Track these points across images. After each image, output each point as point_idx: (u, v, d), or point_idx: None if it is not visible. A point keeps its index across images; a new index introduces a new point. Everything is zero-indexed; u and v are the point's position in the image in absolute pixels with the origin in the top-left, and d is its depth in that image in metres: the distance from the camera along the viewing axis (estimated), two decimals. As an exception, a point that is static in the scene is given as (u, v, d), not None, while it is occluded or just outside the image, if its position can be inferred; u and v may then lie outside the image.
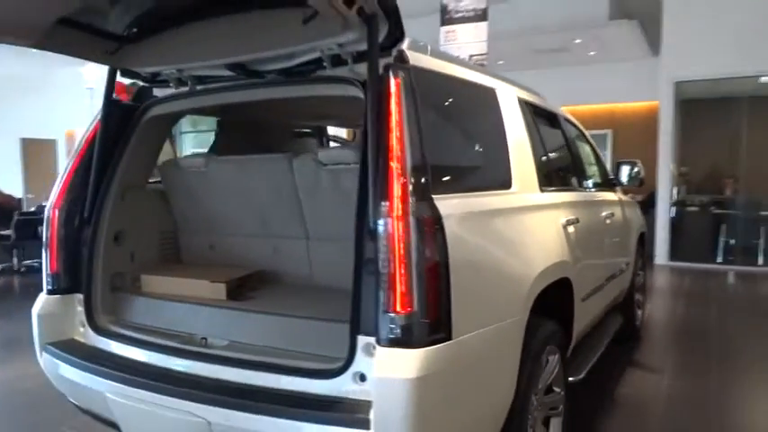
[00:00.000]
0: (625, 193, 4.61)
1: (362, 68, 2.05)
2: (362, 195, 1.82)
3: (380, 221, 1.71)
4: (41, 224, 8.09)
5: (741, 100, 8.72)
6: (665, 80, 8.60)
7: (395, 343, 1.68)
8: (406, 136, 1.79)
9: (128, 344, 2.29)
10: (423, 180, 1.78)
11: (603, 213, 3.62)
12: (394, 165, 1.75)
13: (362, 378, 1.78)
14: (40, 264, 7.83)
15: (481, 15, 6.96)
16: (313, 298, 2.42)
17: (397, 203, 1.71)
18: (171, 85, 2.50)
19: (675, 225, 8.85)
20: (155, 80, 2.57)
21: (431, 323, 1.71)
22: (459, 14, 7.03)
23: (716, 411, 3.43)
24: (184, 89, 2.50)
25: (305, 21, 1.90)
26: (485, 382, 1.96)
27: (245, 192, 2.63)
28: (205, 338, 2.24)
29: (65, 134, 14.88)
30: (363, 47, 1.99)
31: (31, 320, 2.50)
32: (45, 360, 2.43)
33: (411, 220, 1.70)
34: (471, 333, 1.83)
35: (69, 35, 2.22)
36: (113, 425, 2.32)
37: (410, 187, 1.73)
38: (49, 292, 2.50)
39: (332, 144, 4.31)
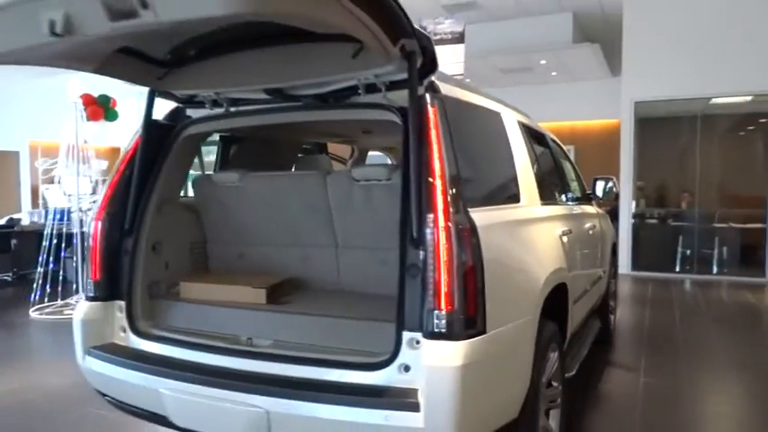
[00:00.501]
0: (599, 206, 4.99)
1: (394, 96, 2.33)
2: (405, 208, 2.07)
3: (426, 231, 1.97)
4: (14, 237, 7.96)
5: (694, 119, 9.35)
6: (625, 100, 9.16)
7: (440, 336, 1.93)
8: (445, 156, 2.06)
9: (174, 345, 2.46)
10: (460, 194, 2.05)
11: (587, 225, 3.97)
12: (437, 181, 2.01)
13: (407, 369, 2.02)
14: (13, 278, 7.69)
15: (458, 38, 7.36)
16: (344, 301, 2.65)
17: (441, 215, 1.97)
18: (206, 105, 2.71)
19: (636, 236, 9.38)
20: (190, 101, 2.77)
21: (470, 319, 1.97)
22: (438, 36, 7.42)
23: (688, 403, 3.80)
24: (219, 110, 2.71)
25: (354, 55, 2.16)
26: (508, 372, 2.23)
27: (277, 205, 2.85)
28: (251, 338, 2.44)
29: (28, 145, 14.62)
30: (397, 77, 2.26)
31: (72, 327, 2.66)
32: (88, 362, 2.58)
33: (453, 229, 1.96)
34: (500, 329, 2.09)
35: (125, 62, 2.43)
36: (155, 419, 2.49)
37: (450, 201, 1.99)
38: (91, 299, 2.66)
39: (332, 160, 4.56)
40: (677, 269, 9.23)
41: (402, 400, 1.93)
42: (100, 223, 2.66)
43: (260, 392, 2.08)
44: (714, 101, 9.02)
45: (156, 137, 2.75)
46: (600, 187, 4.68)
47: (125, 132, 16.02)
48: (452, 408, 1.89)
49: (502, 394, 2.20)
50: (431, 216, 1.98)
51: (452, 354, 1.91)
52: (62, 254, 7.23)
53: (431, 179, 2.02)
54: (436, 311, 1.94)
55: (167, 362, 2.39)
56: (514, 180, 2.70)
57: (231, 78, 2.52)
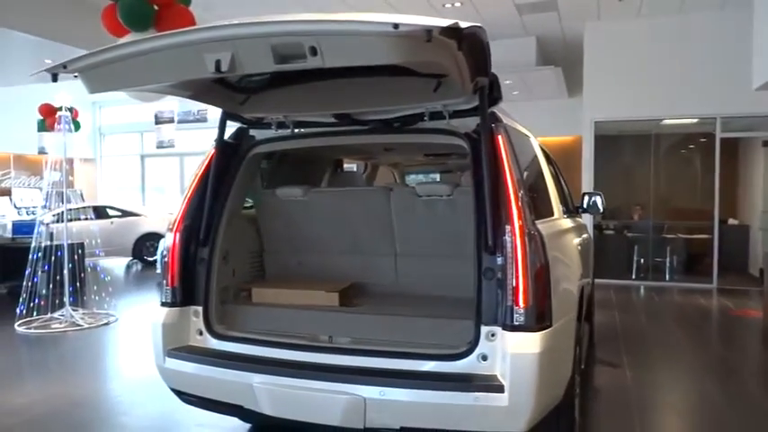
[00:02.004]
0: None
1: (456, 123, 2.69)
2: (480, 220, 2.42)
3: (505, 239, 2.33)
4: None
5: (647, 137, 10.16)
6: (586, 119, 9.86)
7: (519, 329, 2.29)
8: (516, 175, 2.43)
9: (255, 344, 2.70)
10: (528, 208, 2.41)
11: (584, 235, 4.44)
12: (512, 197, 2.37)
13: (484, 358, 2.36)
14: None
15: None
16: (406, 302, 2.96)
17: (517, 225, 2.33)
18: (272, 127, 2.99)
19: (595, 246, 10.03)
20: (257, 123, 3.04)
21: (542, 314, 2.33)
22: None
23: (673, 392, 4.30)
24: (285, 132, 2.98)
25: (435, 89, 2.50)
26: (562, 360, 2.61)
27: (339, 217, 3.14)
28: (331, 336, 2.72)
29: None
30: (461, 107, 2.62)
31: (152, 330, 2.85)
32: (169, 363, 2.79)
33: (527, 237, 2.32)
34: (559, 322, 2.46)
35: (216, 89, 2.69)
36: (236, 412, 2.72)
37: (524, 213, 2.36)
38: (168, 305, 2.87)
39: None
40: (633, 276, 9.94)
41: (489, 383, 2.27)
42: (178, 235, 2.88)
43: (358, 382, 2.37)
44: (665, 121, 9.83)
45: (227, 156, 3.00)
46: (585, 201, 5.18)
47: (82, 143, 15.63)
48: (532, 388, 2.24)
49: (557, 379, 2.57)
50: (508, 227, 2.34)
51: (532, 342, 2.27)
52: (47, 267, 7.17)
53: (506, 195, 2.38)
54: (515, 307, 2.30)
55: (255, 359, 2.64)
56: (548, 196, 3.10)
57: (306, 104, 2.82)
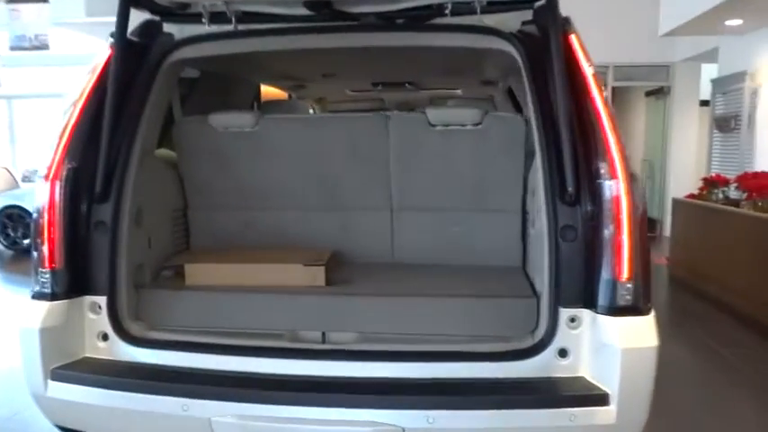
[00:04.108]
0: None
1: (490, 20, 1.91)
2: (551, 157, 1.67)
3: (602, 183, 1.59)
4: None
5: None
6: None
7: (625, 312, 1.59)
8: (603, 90, 1.70)
9: (205, 352, 1.75)
10: (622, 139, 1.70)
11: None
12: (606, 120, 1.64)
13: (563, 354, 1.65)
14: None
15: None
16: (418, 278, 2.10)
17: (618, 160, 1.60)
18: (203, 20, 1.97)
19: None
20: (179, 13, 1.99)
21: (648, 289, 1.65)
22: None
23: (675, 365, 4.00)
24: (228, 28, 1.99)
25: None
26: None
27: (308, 158, 2.19)
28: (324, 333, 1.83)
29: None
30: None
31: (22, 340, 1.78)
32: (55, 390, 1.75)
33: (629, 179, 1.61)
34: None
35: None
36: None
37: (622, 143, 1.64)
38: (47, 297, 1.80)
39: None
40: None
41: (586, 392, 1.56)
42: (58, 185, 1.80)
43: (389, 404, 1.55)
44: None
45: (130, 62, 1.94)
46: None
47: None
48: (646, 397, 1.58)
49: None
50: (604, 164, 1.60)
51: (648, 331, 1.59)
52: None
53: (597, 118, 1.64)
54: (617, 281, 1.59)
55: (208, 376, 1.69)
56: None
57: None
